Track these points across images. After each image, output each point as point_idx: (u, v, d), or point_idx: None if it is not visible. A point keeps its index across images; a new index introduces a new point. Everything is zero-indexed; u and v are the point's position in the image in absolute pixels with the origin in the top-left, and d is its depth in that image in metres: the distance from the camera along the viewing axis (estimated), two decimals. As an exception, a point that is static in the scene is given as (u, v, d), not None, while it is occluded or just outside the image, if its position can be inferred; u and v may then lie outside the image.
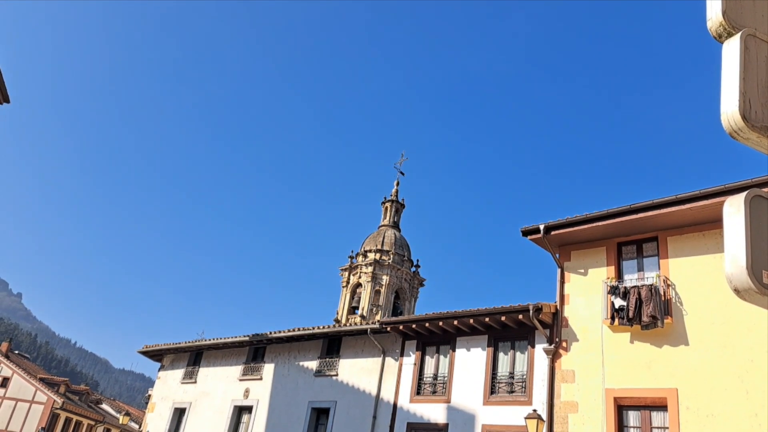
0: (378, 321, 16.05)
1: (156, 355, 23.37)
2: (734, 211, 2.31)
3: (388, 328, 15.60)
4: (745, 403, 9.93)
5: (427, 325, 14.68)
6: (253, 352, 20.07)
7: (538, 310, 12.73)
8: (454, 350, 14.73)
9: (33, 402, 43.25)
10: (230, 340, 19.81)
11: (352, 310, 32.75)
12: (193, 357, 22.18)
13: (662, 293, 11.47)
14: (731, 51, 2.49)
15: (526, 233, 13.35)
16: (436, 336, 15.13)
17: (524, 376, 13.23)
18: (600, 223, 12.28)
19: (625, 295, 11.69)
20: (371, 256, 33.55)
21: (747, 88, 2.37)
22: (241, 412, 19.37)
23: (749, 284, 2.19)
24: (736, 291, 2.25)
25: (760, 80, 2.44)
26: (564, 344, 12.63)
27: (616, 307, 11.71)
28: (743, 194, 2.35)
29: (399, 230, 36.15)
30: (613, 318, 11.74)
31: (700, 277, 11.29)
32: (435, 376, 14.95)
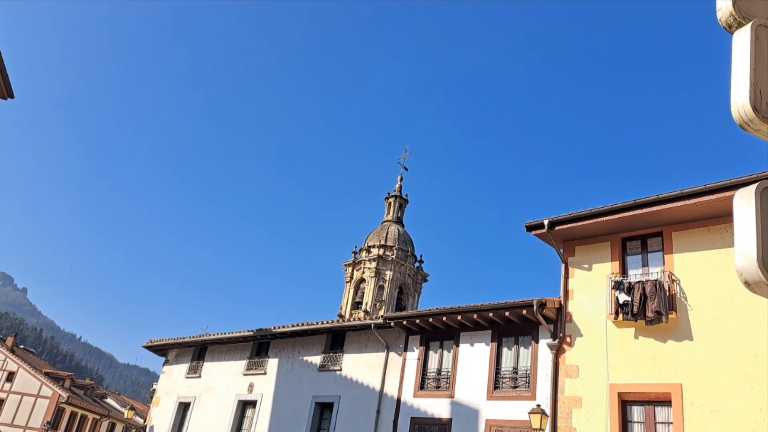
0: (382, 316, 16.06)
1: (160, 349, 23.45)
2: (745, 203, 2.28)
3: (392, 324, 15.60)
4: (750, 399, 9.90)
5: (430, 320, 14.69)
6: (257, 347, 20.11)
7: (542, 305, 12.71)
8: (457, 345, 14.73)
9: (38, 396, 43.50)
10: (234, 335, 19.86)
11: (356, 305, 32.77)
12: (198, 352, 22.24)
13: (667, 288, 11.44)
14: (742, 41, 2.46)
15: (530, 228, 13.32)
16: (440, 331, 15.13)
17: (528, 372, 13.22)
18: (604, 219, 12.24)
19: (629, 290, 11.66)
20: (375, 251, 33.54)
21: (758, 78, 2.34)
22: (245, 406, 19.43)
23: (760, 277, 2.16)
24: (747, 284, 2.22)
25: (771, 71, 2.41)
26: (568, 339, 12.61)
27: (621, 302, 11.68)
28: (754, 186, 2.32)
29: (402, 226, 36.12)
30: (617, 313, 11.71)
31: (704, 273, 11.25)
32: (439, 371, 14.96)
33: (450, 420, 13.92)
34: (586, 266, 12.97)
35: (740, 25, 2.49)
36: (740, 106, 2.30)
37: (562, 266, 13.35)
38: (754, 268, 2.17)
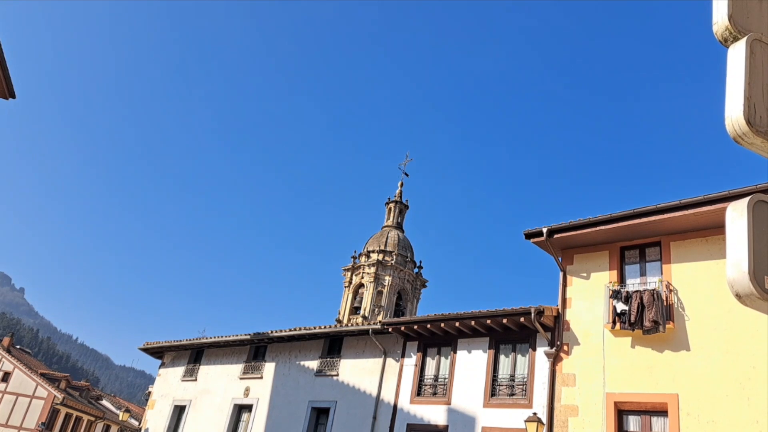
0: (380, 321, 16.04)
1: (157, 352, 23.40)
2: (737, 215, 2.30)
3: (390, 329, 15.59)
4: (747, 410, 9.89)
5: (428, 326, 14.68)
6: (254, 350, 20.08)
7: (540, 313, 12.72)
8: (455, 352, 14.71)
9: (33, 397, 43.38)
10: (231, 338, 19.83)
11: (354, 310, 32.74)
12: (194, 355, 22.20)
13: (664, 298, 11.44)
14: (737, 55, 2.48)
15: (529, 236, 13.33)
16: (438, 337, 15.12)
17: (525, 379, 13.21)
18: (603, 227, 12.26)
19: (627, 299, 11.66)
20: (374, 256, 33.54)
21: (752, 92, 2.36)
22: (241, 410, 19.38)
23: (751, 289, 2.18)
24: (738, 296, 2.24)
25: (765, 85, 2.44)
26: (565, 348, 12.61)
27: (618, 311, 11.68)
28: (746, 199, 2.34)
29: (402, 231, 36.13)
30: (614, 322, 11.71)
31: (702, 283, 11.26)
32: (436, 378, 14.94)
33: (446, 427, 13.89)
34: (585, 275, 12.97)
35: (736, 39, 2.52)
36: (734, 119, 2.32)
37: (561, 274, 13.36)
38: (746, 280, 2.18)
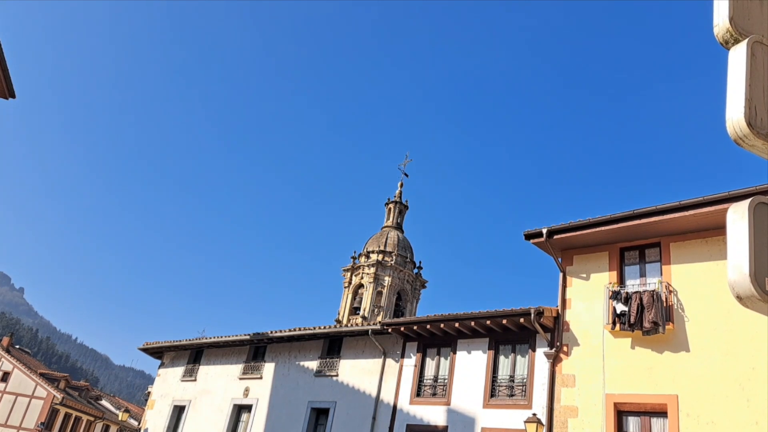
0: (379, 322, 16.05)
1: (156, 352, 23.39)
2: (738, 217, 2.31)
3: (390, 330, 15.59)
4: (746, 411, 9.90)
5: (428, 326, 14.68)
6: (254, 351, 20.08)
7: (540, 313, 12.72)
8: (454, 352, 14.71)
9: (33, 397, 43.37)
10: (231, 338, 19.83)
11: (354, 310, 32.73)
12: (194, 355, 22.20)
13: (664, 299, 11.45)
14: (738, 57, 2.48)
15: (528, 237, 13.34)
16: (437, 338, 15.12)
17: (525, 380, 13.21)
18: (603, 228, 12.26)
19: (626, 300, 11.67)
20: (374, 257, 33.54)
21: (753, 95, 2.37)
22: (240, 410, 19.38)
23: (752, 291, 2.18)
24: (739, 298, 2.24)
25: (766, 87, 2.44)
26: (565, 348, 12.61)
27: (618, 312, 11.69)
28: (747, 201, 2.34)
29: (402, 231, 36.13)
30: (614, 323, 11.72)
31: (702, 284, 11.27)
32: (435, 378, 14.94)
33: (446, 428, 13.89)
34: (584, 275, 12.98)
35: (737, 41, 2.52)
36: (735, 121, 2.33)
37: (560, 275, 13.36)
38: (747, 282, 2.19)
